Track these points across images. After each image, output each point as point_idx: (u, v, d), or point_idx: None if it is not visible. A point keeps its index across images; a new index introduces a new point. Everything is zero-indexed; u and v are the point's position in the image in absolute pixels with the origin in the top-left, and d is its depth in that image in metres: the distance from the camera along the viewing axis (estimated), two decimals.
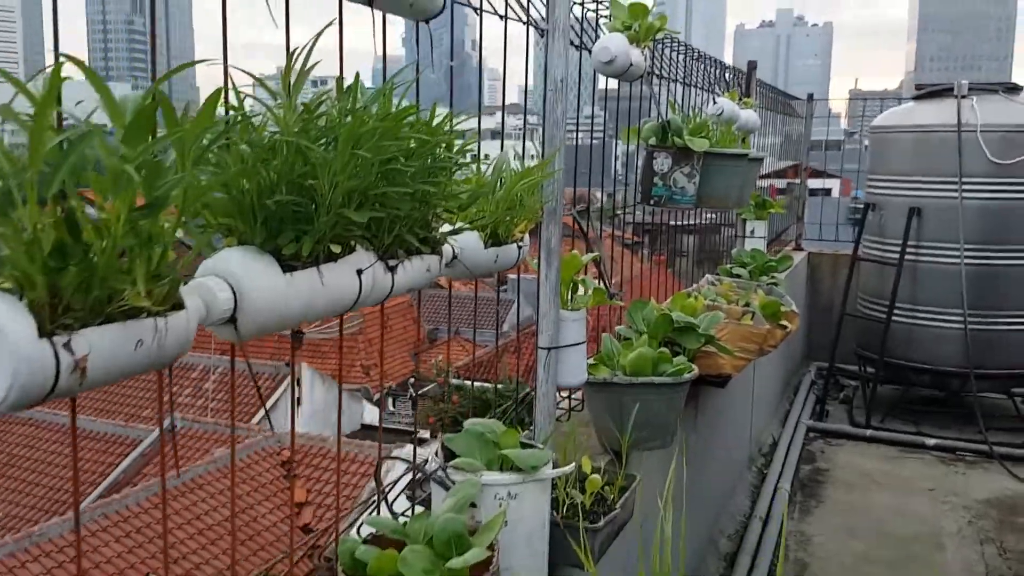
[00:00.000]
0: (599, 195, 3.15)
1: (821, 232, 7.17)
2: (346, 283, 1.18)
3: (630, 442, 2.25)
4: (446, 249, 1.48)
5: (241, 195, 1.05)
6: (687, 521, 3.40)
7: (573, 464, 1.68)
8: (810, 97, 6.77)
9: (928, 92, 5.47)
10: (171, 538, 11.10)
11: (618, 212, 3.24)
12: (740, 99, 3.86)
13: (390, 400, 20.12)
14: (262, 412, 16.20)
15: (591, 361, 2.36)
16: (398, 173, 1.21)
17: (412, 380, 18.17)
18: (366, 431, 17.94)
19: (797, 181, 7.75)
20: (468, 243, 1.55)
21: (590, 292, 2.20)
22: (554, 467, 1.73)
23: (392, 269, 1.29)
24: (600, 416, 2.33)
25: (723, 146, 2.95)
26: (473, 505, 1.54)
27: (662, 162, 2.73)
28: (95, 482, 13.87)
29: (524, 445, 1.71)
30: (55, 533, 10.57)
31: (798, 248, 6.78)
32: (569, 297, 2.17)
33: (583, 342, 2.17)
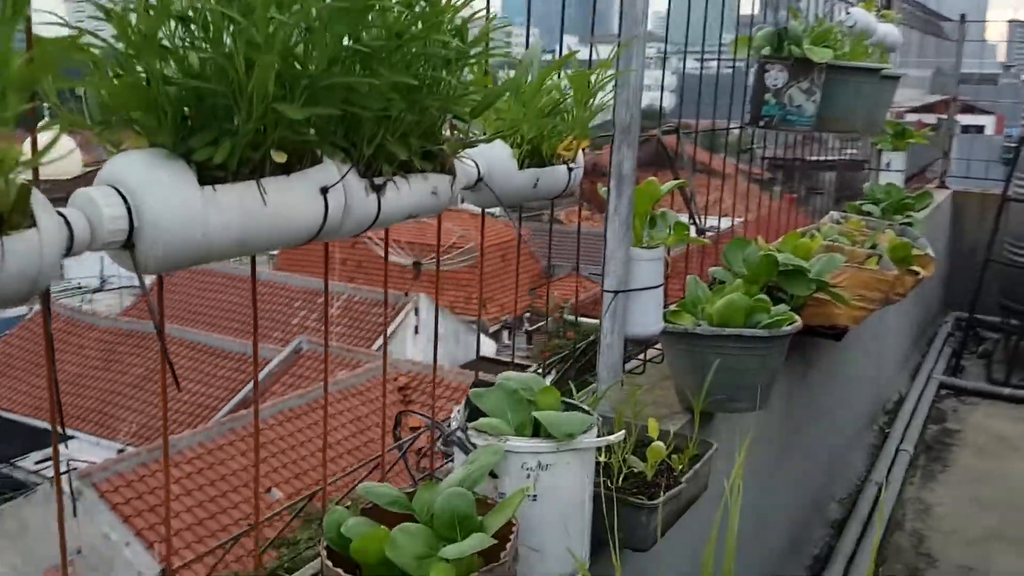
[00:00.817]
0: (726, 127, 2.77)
1: (969, 170, 6.44)
2: (301, 204, 0.91)
3: (709, 403, 1.93)
4: (464, 167, 1.19)
5: (140, 80, 0.79)
6: (788, 487, 3.06)
7: (621, 432, 1.38)
8: (963, 18, 5.99)
9: None
10: (294, 454, 11.46)
11: (748, 147, 2.84)
12: (878, 11, 3.34)
13: (505, 333, 20.13)
14: (378, 342, 16.49)
15: (673, 307, 2.03)
16: (372, 59, 0.92)
17: (527, 315, 18.08)
18: (481, 363, 18.02)
19: (945, 116, 6.98)
20: (496, 160, 1.25)
21: (671, 228, 1.86)
22: (608, 433, 1.44)
23: (378, 189, 1.01)
24: (680, 372, 2.01)
25: (852, 59, 2.51)
26: (495, 475, 1.28)
27: (776, 76, 2.32)
28: (226, 398, 14.47)
29: (568, 407, 1.42)
30: (185, 444, 11.07)
31: (942, 186, 6.10)
32: (645, 233, 1.84)
33: (659, 285, 1.84)
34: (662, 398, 2.10)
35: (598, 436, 1.34)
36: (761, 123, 2.37)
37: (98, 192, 0.77)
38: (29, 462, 13.93)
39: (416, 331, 16.99)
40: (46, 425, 14.35)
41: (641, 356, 2.16)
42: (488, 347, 18.68)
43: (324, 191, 0.93)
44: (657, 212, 1.85)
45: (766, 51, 2.34)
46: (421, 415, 1.42)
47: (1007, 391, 4.65)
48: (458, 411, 1.38)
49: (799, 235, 2.69)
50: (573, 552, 1.32)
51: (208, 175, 0.82)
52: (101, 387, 14.90)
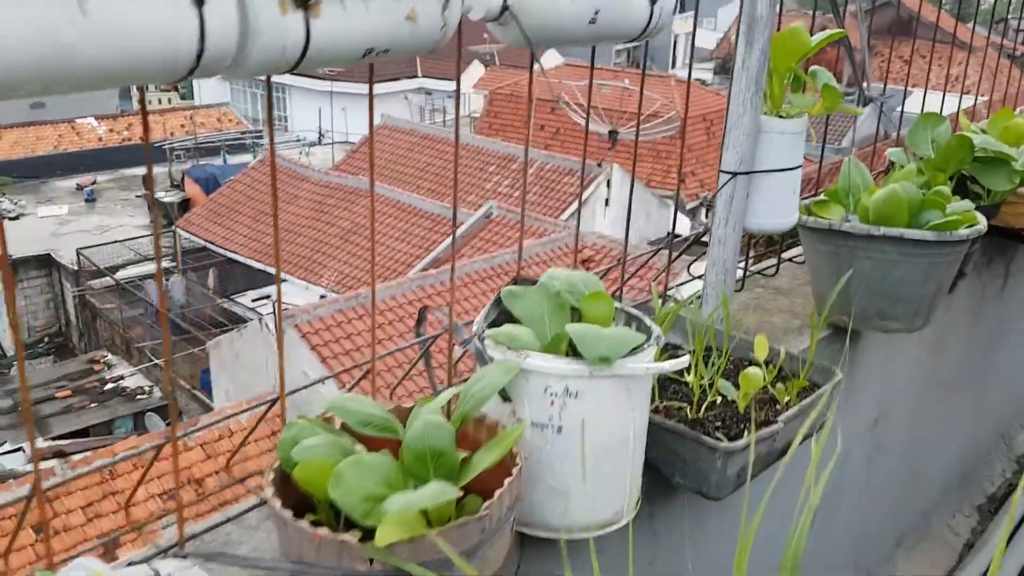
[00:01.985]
0: None
1: None
2: (152, 17, 0.62)
3: (856, 319, 1.52)
4: None
5: None
6: (964, 414, 2.56)
7: (685, 358, 1.04)
8: None
9: None
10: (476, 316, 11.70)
11: (1004, 17, 2.25)
12: None
13: (702, 211, 19.38)
14: (568, 211, 16.34)
15: (821, 197, 1.60)
16: None
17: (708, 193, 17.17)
18: (670, 239, 17.41)
19: None
20: None
21: (818, 91, 1.42)
22: (676, 355, 1.11)
23: (305, 3, 0.71)
24: (821, 278, 1.59)
25: None
26: (507, 399, 0.99)
27: None
28: (420, 256, 14.93)
29: (629, 319, 1.10)
30: (379, 297, 11.55)
31: None
32: (785, 99, 1.42)
33: (796, 167, 1.43)
34: (800, 307, 1.71)
35: (656, 360, 1.02)
36: None
37: None
38: (247, 299, 15.15)
39: (607, 203, 16.64)
40: (263, 267, 15.49)
41: (776, 253, 1.75)
42: (683, 224, 18.06)
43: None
44: (801, 70, 1.41)
45: None
46: (440, 311, 1.15)
47: None
48: (485, 313, 1.09)
49: (1013, 114, 2.11)
50: (609, 498, 1.03)
51: None
52: (311, 235, 15.76)
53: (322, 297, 12.58)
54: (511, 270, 12.59)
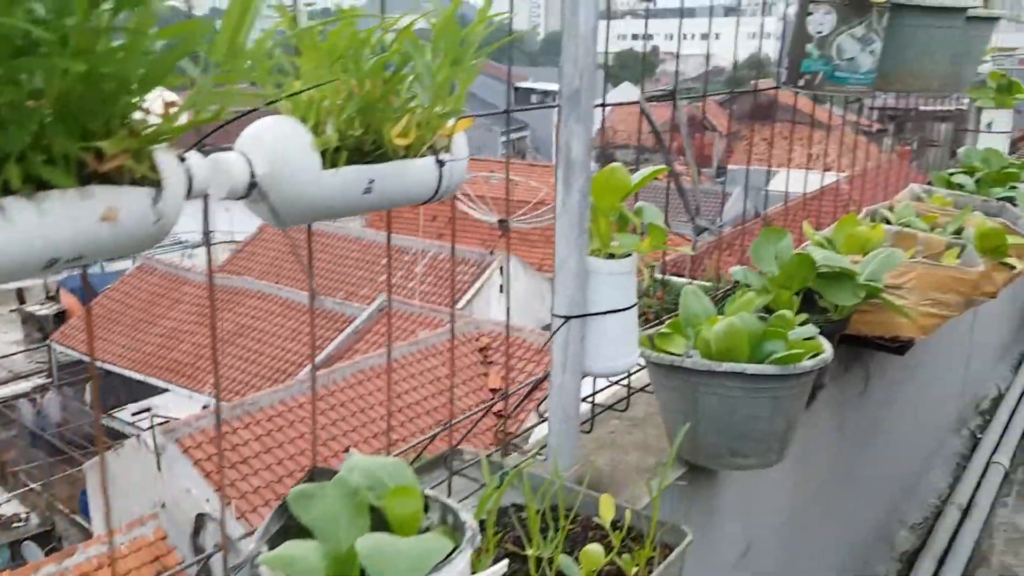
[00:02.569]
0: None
1: None
2: None
3: (706, 459, 1.43)
4: (220, 166, 0.73)
5: None
6: (843, 514, 2.52)
7: (503, 564, 0.91)
8: None
9: None
10: (372, 414, 11.37)
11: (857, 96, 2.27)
12: None
13: None
14: (464, 300, 16.29)
15: (664, 329, 1.53)
16: None
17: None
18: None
19: None
20: (283, 153, 0.79)
21: (645, 229, 1.36)
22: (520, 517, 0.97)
23: None
24: (670, 414, 1.51)
25: None
26: None
27: (820, 20, 1.75)
28: (311, 355, 14.45)
29: (445, 512, 0.96)
30: (265, 402, 11.09)
31: None
32: (612, 237, 1.34)
33: (629, 306, 1.35)
34: (655, 440, 1.61)
35: (479, 565, 0.88)
36: (801, 83, 1.81)
37: None
38: (126, 413, 14.32)
39: (501, 290, 16.69)
40: (143, 378, 14.74)
41: (626, 383, 1.66)
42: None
43: None
44: (626, 208, 1.34)
45: None
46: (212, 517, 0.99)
47: None
48: (266, 525, 0.93)
49: (856, 220, 2.12)
50: None
51: None
52: (194, 340, 15.16)
53: (204, 407, 12.02)
54: (408, 363, 12.34)
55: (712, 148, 24.78)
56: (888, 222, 2.45)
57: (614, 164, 1.30)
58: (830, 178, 3.75)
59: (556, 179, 1.25)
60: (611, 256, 1.33)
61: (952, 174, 2.98)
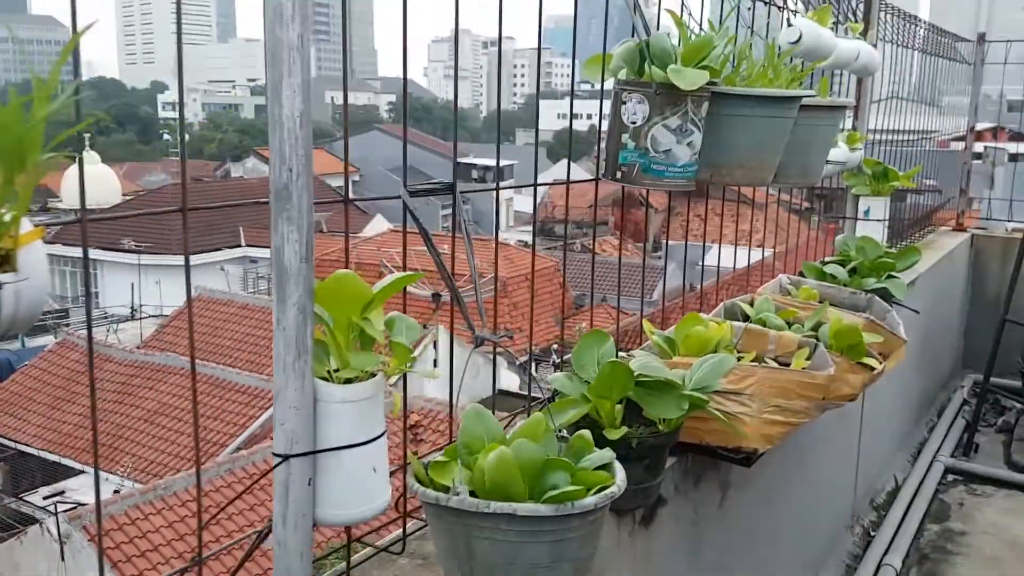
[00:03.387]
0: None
1: (1012, 211, 5.58)
2: None
3: None
4: None
5: None
6: None
7: None
8: (981, 38, 5.17)
9: None
10: None
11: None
12: (836, 24, 2.62)
13: (533, 365, 19.42)
14: (395, 376, 15.93)
15: (439, 457, 1.32)
16: None
17: (555, 346, 17.40)
18: (501, 397, 17.28)
19: (993, 144, 6.21)
20: None
21: (390, 346, 1.17)
22: None
23: None
24: (444, 558, 1.29)
25: (758, 84, 1.78)
26: None
27: (634, 108, 1.61)
28: (235, 434, 14.00)
29: None
30: (180, 486, 10.56)
31: (960, 228, 5.27)
32: (352, 356, 1.14)
33: (373, 439, 1.14)
34: None
35: None
36: (618, 175, 1.66)
37: None
38: (38, 497, 13.55)
39: (435, 364, 16.40)
40: (59, 459, 14.01)
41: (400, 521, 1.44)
42: (512, 381, 17.99)
43: None
44: (366, 321, 1.15)
45: (623, 74, 1.63)
46: None
47: None
48: None
49: (697, 318, 1.96)
50: None
51: None
52: (113, 420, 14.53)
53: (116, 492, 11.38)
54: (507, 343, 11.86)
55: (646, 224, 25.11)
56: (747, 317, 2.30)
57: (344, 272, 1.11)
58: (759, 254, 3.76)
59: (272, 290, 1.06)
60: (349, 380, 1.13)
61: (826, 263, 2.87)
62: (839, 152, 2.73)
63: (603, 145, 1.71)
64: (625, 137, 1.64)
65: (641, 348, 2.00)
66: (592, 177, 1.77)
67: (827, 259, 2.96)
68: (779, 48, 2.03)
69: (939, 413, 4.52)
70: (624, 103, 1.63)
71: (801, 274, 2.77)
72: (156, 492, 10.53)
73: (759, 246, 4.17)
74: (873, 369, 2.11)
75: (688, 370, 1.72)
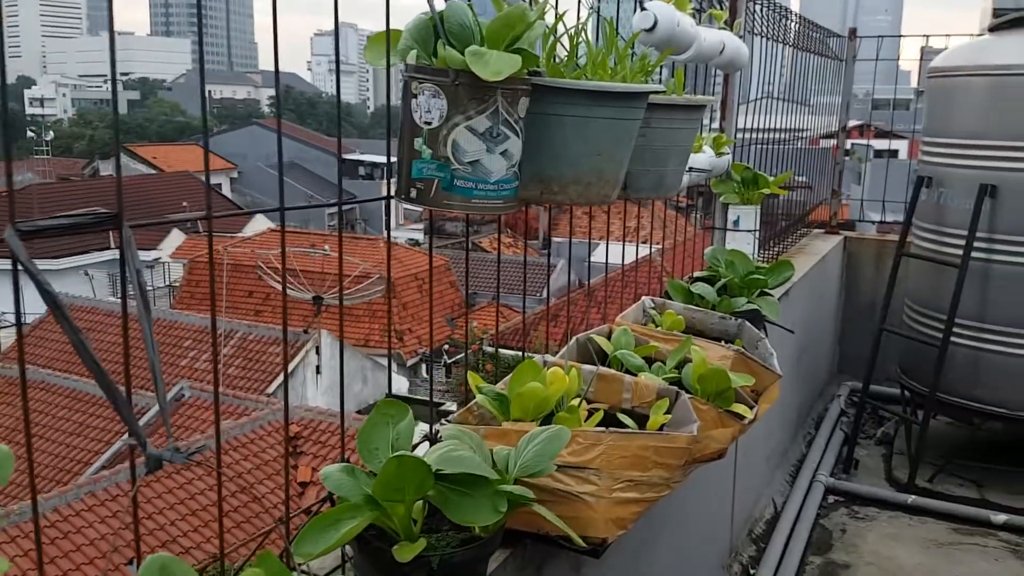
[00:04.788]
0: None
1: (884, 211, 5.44)
2: None
3: None
4: None
5: None
6: None
7: None
8: (852, 33, 5.00)
9: (1011, 20, 3.71)
10: (162, 518, 10.07)
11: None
12: (698, 12, 2.27)
13: (423, 367, 19.03)
14: (275, 383, 15.20)
15: None
16: None
17: (446, 347, 16.93)
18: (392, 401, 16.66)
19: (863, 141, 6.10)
20: None
21: None
22: None
23: None
24: None
25: (597, 77, 1.38)
26: None
27: (427, 103, 1.19)
28: (100, 451, 13.01)
29: None
30: (42, 508, 9.61)
31: (832, 231, 5.10)
32: None
33: None
34: None
35: None
36: (412, 193, 1.23)
37: None
38: None
39: (318, 371, 15.69)
40: None
41: None
42: (401, 384, 17.44)
43: None
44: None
45: (413, 57, 1.20)
46: None
47: (910, 499, 3.58)
48: None
49: (537, 367, 1.55)
50: None
51: None
52: None
53: None
54: (203, 459, 11.14)
55: (538, 221, 24.95)
56: (604, 354, 1.92)
57: None
58: (646, 250, 3.68)
59: None
60: None
61: (694, 279, 2.52)
62: (703, 158, 2.38)
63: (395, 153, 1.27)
64: (419, 143, 1.20)
65: (466, 408, 1.58)
66: (384, 196, 1.33)
67: (696, 274, 2.62)
68: (626, 35, 1.64)
69: (816, 425, 4.30)
70: (415, 96, 1.20)
71: (667, 294, 2.41)
72: (11, 519, 9.59)
73: (644, 242, 3.90)
74: (744, 419, 1.75)
75: (516, 445, 1.31)
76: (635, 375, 1.76)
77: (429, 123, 1.19)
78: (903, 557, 3.20)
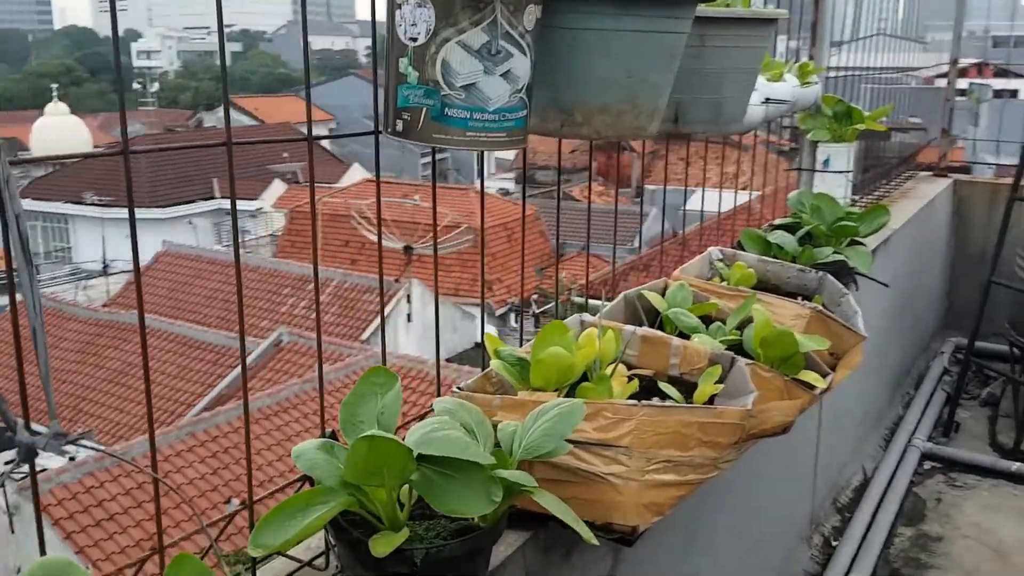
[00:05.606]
0: None
1: (999, 153, 4.94)
2: None
3: None
4: None
5: None
6: None
7: None
8: None
9: None
10: (260, 459, 10.42)
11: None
12: None
13: (512, 316, 19.01)
14: (368, 330, 15.43)
15: None
16: None
17: (535, 296, 16.84)
18: (477, 350, 16.73)
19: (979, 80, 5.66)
20: None
21: None
22: None
23: None
24: None
25: None
26: None
27: (412, 15, 0.98)
28: (203, 393, 13.53)
29: None
30: (139, 451, 10.06)
31: (940, 174, 4.64)
32: None
33: None
34: None
35: None
36: (398, 126, 1.04)
37: None
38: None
39: (409, 319, 15.83)
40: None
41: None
42: (490, 333, 17.41)
43: None
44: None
45: None
46: None
47: (1015, 466, 3.24)
48: None
49: (563, 328, 1.34)
50: None
51: None
52: (77, 381, 14.00)
53: (71, 459, 10.87)
54: (300, 403, 11.45)
55: (631, 168, 24.34)
56: (656, 313, 1.70)
57: None
58: (744, 197, 3.41)
59: None
60: None
61: (774, 227, 2.25)
62: (784, 87, 2.09)
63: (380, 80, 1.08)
64: (404, 64, 1.00)
65: (483, 374, 1.39)
66: (372, 130, 1.14)
67: (776, 222, 2.35)
68: None
69: (917, 384, 3.95)
70: (399, 7, 0.99)
71: (739, 244, 2.15)
72: (114, 459, 10.05)
73: (744, 189, 3.62)
74: (814, 388, 1.51)
75: (524, 421, 1.12)
76: (687, 337, 1.54)
77: (415, 39, 0.99)
78: (1004, 530, 2.88)
